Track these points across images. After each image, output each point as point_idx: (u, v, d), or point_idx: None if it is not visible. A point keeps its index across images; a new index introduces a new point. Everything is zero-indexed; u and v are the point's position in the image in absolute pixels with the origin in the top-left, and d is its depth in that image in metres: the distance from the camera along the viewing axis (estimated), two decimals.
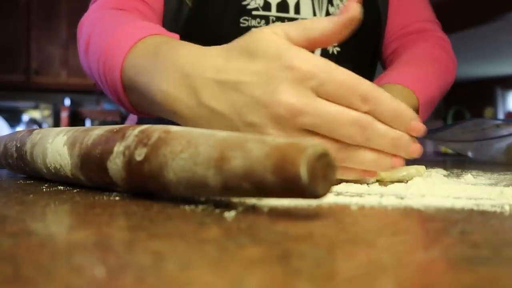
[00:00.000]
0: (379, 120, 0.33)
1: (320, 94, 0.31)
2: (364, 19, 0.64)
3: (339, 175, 0.35)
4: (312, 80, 0.31)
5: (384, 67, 0.73)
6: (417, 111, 0.56)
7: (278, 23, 0.37)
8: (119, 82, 0.43)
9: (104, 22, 0.50)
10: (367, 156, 0.33)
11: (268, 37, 0.33)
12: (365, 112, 0.32)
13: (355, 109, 0.32)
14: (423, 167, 0.46)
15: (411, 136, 0.34)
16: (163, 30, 0.45)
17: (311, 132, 0.32)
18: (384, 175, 0.39)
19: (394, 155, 0.34)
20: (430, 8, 0.73)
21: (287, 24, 0.34)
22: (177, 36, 0.44)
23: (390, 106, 0.32)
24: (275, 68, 0.32)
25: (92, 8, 0.57)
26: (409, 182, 0.39)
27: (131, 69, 0.42)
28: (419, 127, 0.34)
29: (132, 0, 0.56)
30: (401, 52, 0.67)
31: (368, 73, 0.68)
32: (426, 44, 0.66)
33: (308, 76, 0.31)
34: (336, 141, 0.32)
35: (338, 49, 0.61)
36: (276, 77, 0.32)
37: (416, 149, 0.34)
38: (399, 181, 0.40)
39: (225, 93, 0.34)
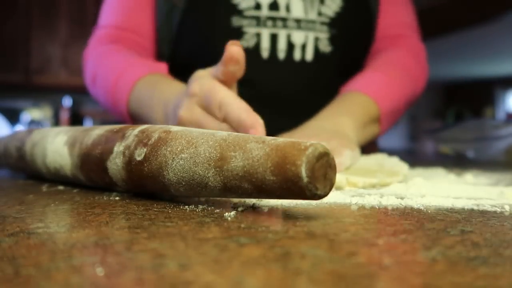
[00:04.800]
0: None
1: (201, 107, 0.40)
2: (356, 19, 0.64)
3: None
4: (195, 97, 0.40)
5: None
6: (378, 119, 0.57)
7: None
8: (126, 114, 0.57)
9: (107, 60, 0.61)
10: None
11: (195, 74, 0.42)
12: (223, 119, 0.38)
13: (215, 116, 0.38)
14: (405, 166, 0.44)
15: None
16: (157, 66, 0.57)
17: None
18: (355, 181, 0.37)
19: None
20: (411, 13, 0.72)
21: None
22: (164, 70, 0.57)
23: (235, 114, 0.37)
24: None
25: (92, 43, 0.66)
26: (409, 182, 0.39)
27: (135, 105, 0.54)
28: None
29: (125, 33, 0.64)
30: (374, 57, 0.67)
31: None
32: (398, 51, 0.66)
33: (193, 94, 0.40)
34: None
35: (330, 48, 0.61)
36: (184, 98, 0.42)
37: None
38: (373, 187, 0.37)
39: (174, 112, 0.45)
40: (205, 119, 0.39)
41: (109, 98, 0.59)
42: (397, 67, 0.62)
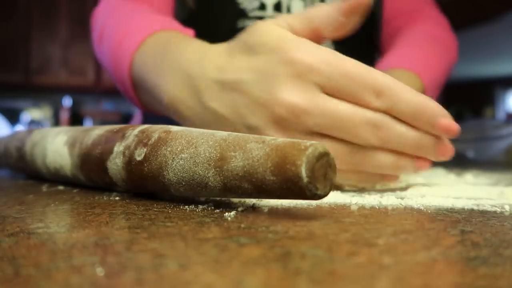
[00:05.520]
0: (399, 119, 0.29)
1: (326, 90, 0.28)
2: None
3: (355, 181, 0.32)
4: (316, 74, 0.28)
5: (381, 54, 0.70)
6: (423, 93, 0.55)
7: (284, 15, 0.32)
8: (128, 80, 0.43)
9: (117, 14, 0.50)
10: (385, 159, 0.30)
11: (269, 29, 0.30)
12: (382, 110, 0.28)
13: (368, 106, 0.28)
14: None
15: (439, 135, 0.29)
16: (174, 23, 0.44)
17: (319, 134, 0.29)
18: (378, 185, 0.35)
19: (419, 157, 0.31)
20: None
21: (292, 15, 0.31)
22: (190, 31, 0.43)
23: (411, 102, 0.28)
24: (275, 63, 0.29)
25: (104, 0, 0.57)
26: (409, 182, 0.39)
27: (139, 68, 0.41)
28: (450, 126, 0.28)
29: None
30: (397, 35, 0.64)
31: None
32: (423, 23, 0.64)
33: (311, 70, 0.28)
34: (348, 143, 0.29)
35: (332, 47, 0.60)
36: (276, 73, 0.29)
37: (445, 150, 0.30)
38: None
39: (226, 93, 0.31)
40: (349, 110, 0.28)
41: (112, 59, 0.46)
42: (427, 39, 0.60)
